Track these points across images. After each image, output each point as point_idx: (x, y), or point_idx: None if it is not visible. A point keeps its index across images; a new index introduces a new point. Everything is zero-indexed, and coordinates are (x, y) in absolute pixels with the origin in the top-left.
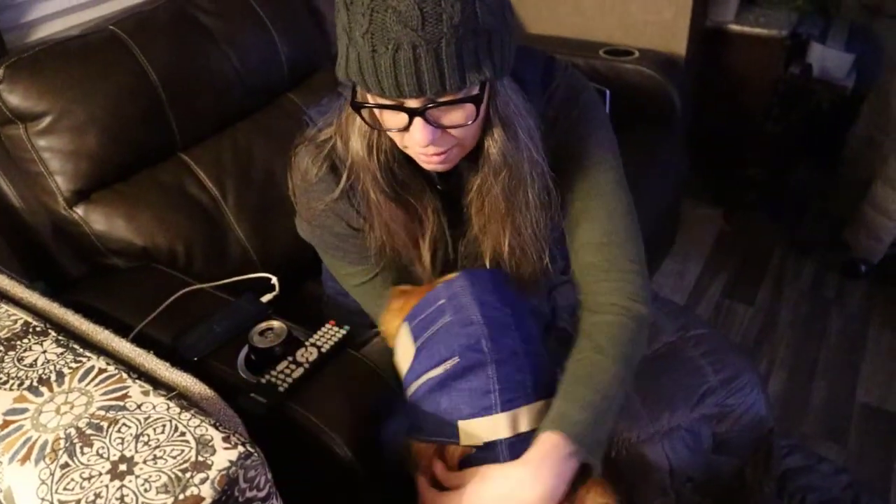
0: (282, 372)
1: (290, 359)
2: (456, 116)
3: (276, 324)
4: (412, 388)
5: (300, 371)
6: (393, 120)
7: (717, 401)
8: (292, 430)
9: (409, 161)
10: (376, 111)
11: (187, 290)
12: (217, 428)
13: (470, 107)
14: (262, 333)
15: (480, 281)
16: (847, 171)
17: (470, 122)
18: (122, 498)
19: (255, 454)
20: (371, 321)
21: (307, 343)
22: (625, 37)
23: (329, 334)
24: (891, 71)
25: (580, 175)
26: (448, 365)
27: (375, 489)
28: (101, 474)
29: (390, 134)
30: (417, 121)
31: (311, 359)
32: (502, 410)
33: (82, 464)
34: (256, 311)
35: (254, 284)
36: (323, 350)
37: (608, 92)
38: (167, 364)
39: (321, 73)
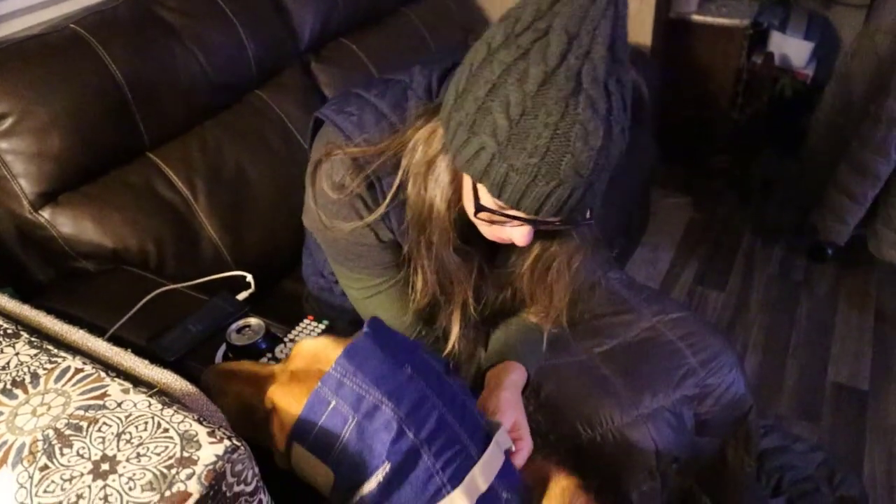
0: None
1: (270, 356)
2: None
3: (253, 321)
4: None
5: None
6: (497, 216)
7: (697, 382)
8: None
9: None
10: (488, 202)
11: (160, 290)
12: (202, 423)
13: None
14: (239, 331)
15: (364, 354)
16: (811, 156)
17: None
18: (105, 498)
19: (242, 447)
20: (357, 319)
21: (286, 339)
22: None
23: (308, 329)
24: (849, 57)
25: None
26: (380, 475)
27: None
28: (82, 475)
29: (478, 218)
30: (527, 227)
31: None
32: (454, 487)
33: (62, 465)
34: (232, 309)
35: (229, 284)
36: None
37: None
38: (146, 361)
39: (290, 70)
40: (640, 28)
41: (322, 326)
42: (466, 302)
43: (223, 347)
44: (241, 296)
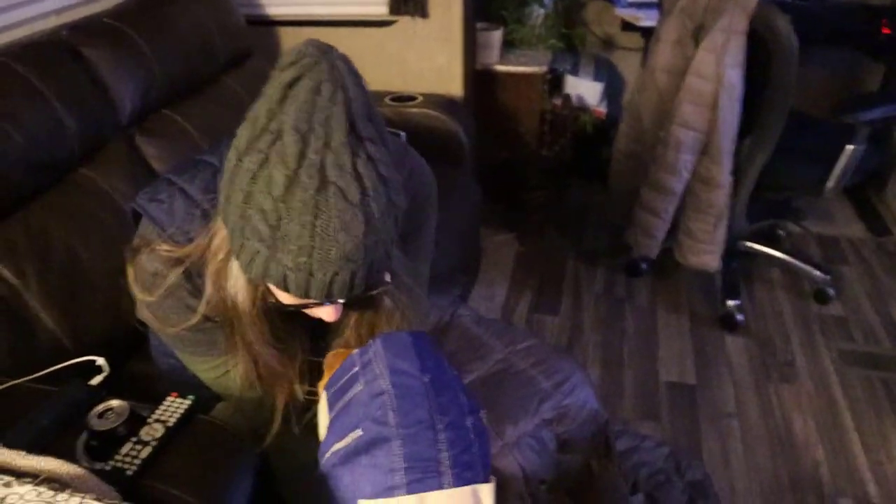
0: (127, 455)
1: (135, 439)
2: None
3: (115, 403)
4: (321, 462)
5: (148, 450)
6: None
7: (553, 405)
8: None
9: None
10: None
11: None
12: (100, 500)
13: None
14: (101, 416)
15: (397, 346)
16: (616, 182)
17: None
18: None
19: None
20: (216, 394)
21: (150, 420)
22: (406, 84)
23: (174, 407)
24: (637, 92)
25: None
26: (350, 438)
27: None
28: None
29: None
30: (330, 307)
31: (157, 435)
32: (409, 492)
33: None
34: (88, 395)
35: (75, 371)
36: (169, 424)
37: (403, 135)
38: (21, 452)
39: (114, 145)
40: (452, 81)
41: (188, 402)
42: (291, 389)
43: (84, 435)
44: (96, 380)
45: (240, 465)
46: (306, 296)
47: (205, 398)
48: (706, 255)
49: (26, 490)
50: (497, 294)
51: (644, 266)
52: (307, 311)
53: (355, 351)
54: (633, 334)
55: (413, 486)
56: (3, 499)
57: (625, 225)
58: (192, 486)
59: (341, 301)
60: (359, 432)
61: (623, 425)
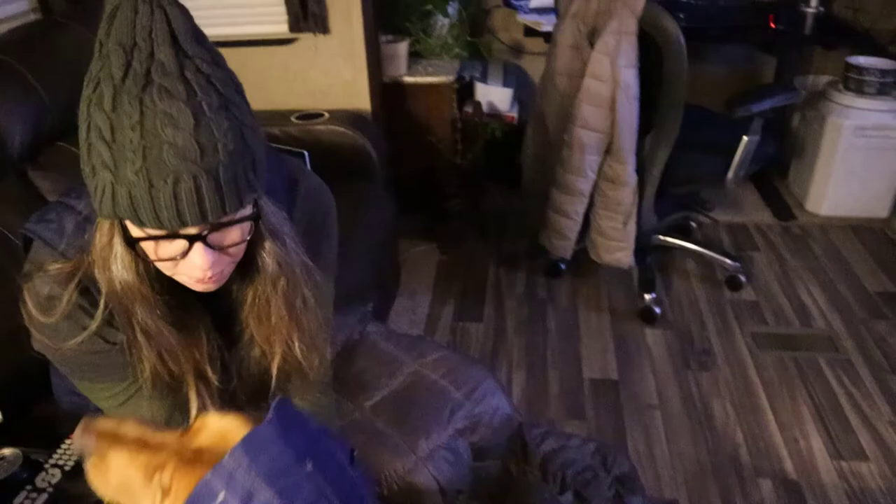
0: None
1: (30, 487)
2: (233, 236)
3: (7, 451)
4: None
5: (43, 497)
6: (169, 249)
7: (465, 414)
8: None
9: (178, 285)
10: (149, 243)
11: None
12: None
13: (246, 224)
14: None
15: (262, 445)
16: (528, 186)
17: (247, 239)
18: None
19: None
20: None
21: (47, 465)
22: (313, 102)
23: (71, 450)
24: (540, 97)
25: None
26: None
27: None
28: None
29: (159, 264)
30: (198, 246)
31: (53, 481)
32: None
33: None
34: None
35: None
36: (66, 468)
37: (307, 154)
38: None
39: (4, 183)
40: (359, 95)
41: None
42: (204, 375)
43: None
44: None
45: None
46: (158, 222)
47: None
48: (619, 252)
49: None
50: (420, 305)
51: (563, 266)
52: (180, 269)
53: (205, 478)
54: (555, 334)
55: None
56: None
57: (539, 227)
58: None
59: (197, 230)
60: None
61: (548, 426)
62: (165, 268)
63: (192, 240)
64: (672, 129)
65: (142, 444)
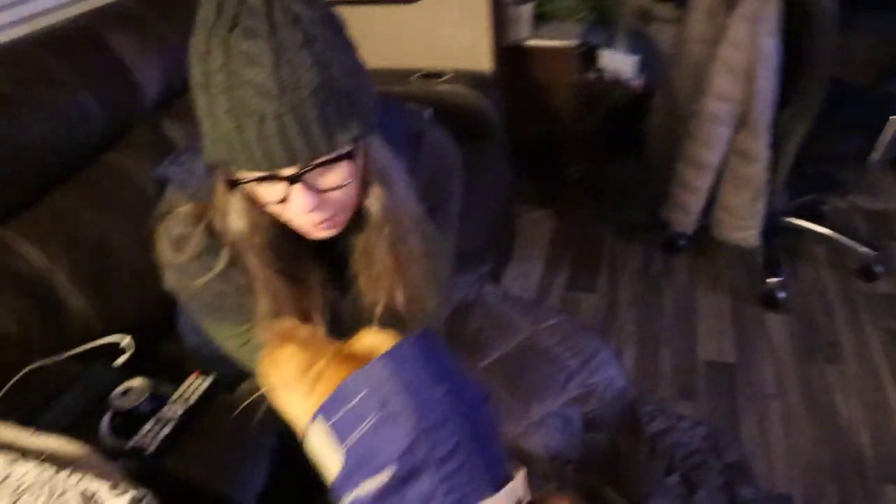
0: (148, 433)
1: (156, 418)
2: (333, 178)
3: (136, 382)
4: (347, 500)
5: (168, 428)
6: (271, 193)
7: (579, 382)
8: (182, 485)
9: (294, 234)
10: (254, 187)
11: (29, 369)
12: (101, 478)
13: (345, 166)
14: (123, 394)
15: (405, 360)
16: (652, 157)
17: (348, 182)
18: None
19: (149, 494)
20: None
21: (172, 398)
22: (435, 62)
23: (195, 385)
24: (670, 65)
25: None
26: (384, 476)
27: None
28: None
29: (271, 209)
30: (296, 188)
31: (178, 413)
32: None
33: None
34: (110, 377)
35: (106, 352)
36: (190, 402)
37: (430, 110)
38: (30, 430)
39: (140, 130)
40: (480, 57)
41: (210, 380)
42: (318, 321)
43: (108, 414)
44: (120, 361)
45: (256, 444)
46: (251, 162)
47: (229, 378)
48: (745, 230)
49: (29, 468)
50: (532, 271)
51: (682, 242)
52: (288, 215)
53: (356, 372)
54: (670, 312)
55: None
56: (7, 476)
57: (661, 200)
58: (209, 466)
59: (292, 171)
60: (391, 468)
61: (659, 405)
62: (276, 213)
63: (291, 182)
64: (813, 103)
65: (308, 344)
